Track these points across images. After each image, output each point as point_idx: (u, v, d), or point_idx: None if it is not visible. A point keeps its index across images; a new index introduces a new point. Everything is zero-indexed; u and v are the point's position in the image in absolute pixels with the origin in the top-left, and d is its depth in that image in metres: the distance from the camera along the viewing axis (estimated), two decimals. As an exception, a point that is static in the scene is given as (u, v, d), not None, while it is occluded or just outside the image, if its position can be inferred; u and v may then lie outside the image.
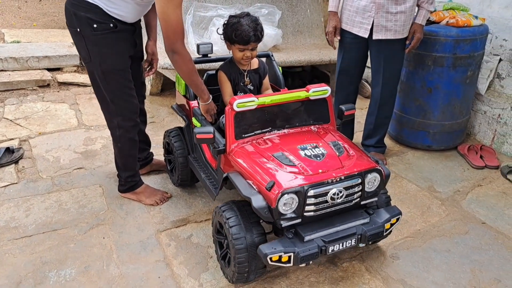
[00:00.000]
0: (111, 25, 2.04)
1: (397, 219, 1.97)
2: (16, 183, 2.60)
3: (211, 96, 2.23)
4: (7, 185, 2.57)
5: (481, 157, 3.08)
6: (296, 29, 4.11)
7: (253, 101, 1.93)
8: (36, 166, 2.77)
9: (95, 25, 2.01)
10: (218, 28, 2.30)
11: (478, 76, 3.15)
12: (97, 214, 2.39)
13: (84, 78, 4.00)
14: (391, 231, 2.01)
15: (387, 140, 3.17)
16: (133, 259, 2.09)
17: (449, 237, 2.33)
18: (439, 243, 2.28)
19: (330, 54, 3.79)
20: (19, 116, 3.41)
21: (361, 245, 1.88)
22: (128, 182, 2.48)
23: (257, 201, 1.71)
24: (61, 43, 4.36)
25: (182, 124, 2.59)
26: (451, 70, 2.92)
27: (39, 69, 3.97)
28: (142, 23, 2.33)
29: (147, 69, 2.49)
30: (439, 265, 2.13)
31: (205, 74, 2.55)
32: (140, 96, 2.47)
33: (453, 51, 2.85)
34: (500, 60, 3.22)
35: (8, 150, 2.79)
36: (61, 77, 3.95)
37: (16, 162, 2.76)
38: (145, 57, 2.45)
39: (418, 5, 2.64)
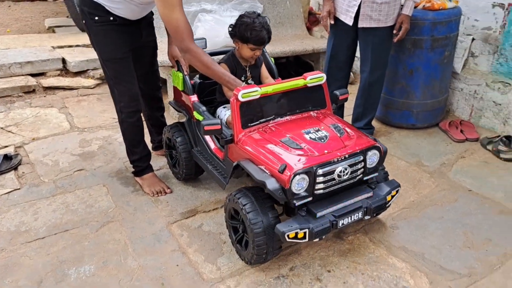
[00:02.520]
0: (111, 18, 2.18)
1: (397, 191, 2.12)
2: (19, 188, 2.61)
3: (241, 82, 2.21)
4: (10, 191, 2.58)
5: (461, 131, 3.28)
6: (278, 21, 4.21)
7: (256, 90, 2.03)
8: (36, 171, 2.78)
9: (96, 18, 2.18)
10: (229, 25, 2.35)
11: (454, 56, 3.35)
12: (105, 212, 2.44)
13: (69, 81, 3.99)
14: (391, 203, 2.17)
15: (373, 122, 3.33)
16: (149, 251, 2.17)
17: (441, 205, 2.51)
18: (432, 211, 2.46)
19: (312, 44, 3.92)
20: (9, 123, 3.38)
21: (366, 217, 2.02)
22: (136, 167, 2.62)
23: (272, 184, 1.81)
24: (41, 48, 4.31)
25: (173, 120, 2.67)
26: (430, 51, 3.10)
27: (23, 75, 3.93)
28: (156, 15, 2.37)
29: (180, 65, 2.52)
30: (435, 231, 2.30)
31: None
32: (153, 84, 2.64)
33: (431, 33, 3.03)
34: (473, 39, 3.43)
35: (6, 157, 2.78)
36: (46, 81, 3.92)
37: (15, 168, 2.76)
38: (158, 48, 2.62)
39: None
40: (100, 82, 4.07)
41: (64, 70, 4.13)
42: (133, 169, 2.66)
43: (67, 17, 5.82)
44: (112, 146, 3.09)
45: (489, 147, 3.08)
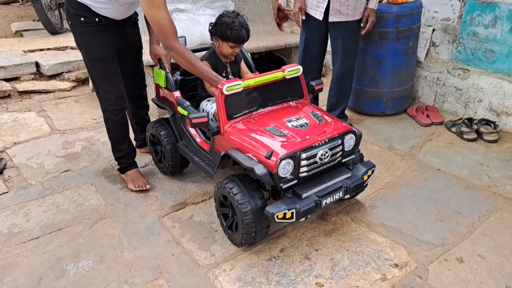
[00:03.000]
0: (97, 19, 2.24)
1: (372, 171, 2.30)
2: (7, 192, 2.62)
3: (222, 78, 2.32)
4: (-2, 195, 2.59)
5: (427, 116, 3.52)
6: (249, 18, 4.29)
7: (240, 84, 2.15)
8: (22, 174, 2.79)
9: (82, 19, 2.24)
10: (210, 24, 2.47)
11: (417, 46, 3.58)
12: (96, 209, 2.49)
13: (45, 84, 3.97)
14: (367, 183, 2.34)
15: (346, 111, 3.51)
16: (144, 243, 2.25)
17: (413, 184, 2.72)
18: (406, 190, 2.66)
19: (284, 39, 4.06)
20: (-13, 129, 3.36)
21: (346, 196, 2.19)
22: (121, 163, 2.69)
23: (259, 169, 1.95)
24: (12, 52, 4.24)
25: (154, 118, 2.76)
26: (395, 42, 3.31)
27: (-4, 80, 3.88)
28: (141, 16, 2.47)
29: (162, 63, 2.60)
30: (409, 208, 2.50)
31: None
32: (138, 83, 2.71)
33: (396, 25, 3.24)
34: (434, 30, 3.67)
35: (-10, 162, 2.79)
36: (21, 86, 3.88)
37: (0, 172, 2.76)
38: (144, 48, 2.67)
39: None
40: (76, 84, 4.08)
41: (38, 74, 4.09)
42: (118, 166, 2.73)
43: (34, 20, 5.73)
44: (96, 146, 3.13)
45: (453, 129, 3.32)
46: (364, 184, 2.28)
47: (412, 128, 3.44)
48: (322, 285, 1.99)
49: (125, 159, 2.67)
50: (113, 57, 2.40)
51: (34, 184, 2.71)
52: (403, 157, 3.02)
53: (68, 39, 4.83)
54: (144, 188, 2.64)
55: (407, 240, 2.25)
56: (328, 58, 4.03)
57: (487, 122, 3.26)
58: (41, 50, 4.42)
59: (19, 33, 5.22)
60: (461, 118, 3.35)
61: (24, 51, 4.30)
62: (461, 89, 3.53)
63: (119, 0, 2.23)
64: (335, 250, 2.19)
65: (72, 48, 4.57)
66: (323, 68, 4.29)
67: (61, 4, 5.23)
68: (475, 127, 3.21)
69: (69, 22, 2.31)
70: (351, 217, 2.43)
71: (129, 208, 2.51)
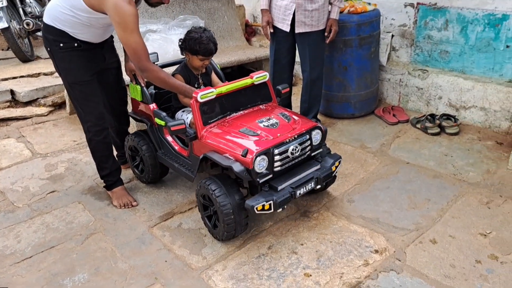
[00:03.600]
0: (75, 44, 2.35)
1: (339, 162, 2.51)
2: (-5, 216, 2.65)
3: (195, 89, 2.46)
4: (-14, 220, 2.61)
5: (393, 115, 3.76)
6: (218, 34, 4.50)
7: (212, 92, 2.33)
8: (8, 198, 2.82)
9: (61, 44, 2.34)
10: (179, 40, 2.65)
11: (379, 51, 3.83)
12: (86, 225, 2.56)
13: (21, 111, 3.99)
14: (336, 174, 2.54)
15: (318, 116, 3.70)
16: (136, 253, 2.33)
17: (386, 178, 2.91)
18: (380, 183, 2.85)
19: (254, 53, 4.25)
20: (-33, 158, 3.35)
21: (318, 187, 2.38)
22: (106, 181, 2.75)
23: (237, 167, 2.13)
24: (-15, 82, 4.26)
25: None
26: (358, 49, 3.54)
27: (-30, 109, 3.88)
28: (116, 38, 2.56)
29: (137, 78, 2.71)
30: (384, 199, 2.68)
31: None
32: (121, 100, 2.81)
33: (357, 33, 3.48)
34: (393, 35, 3.95)
35: (-26, 189, 2.80)
36: (-3, 114, 3.90)
37: (-14, 198, 2.79)
38: (122, 66, 2.78)
39: (330, 3, 3.20)
40: (53, 109, 4.11)
41: (14, 101, 4.11)
42: (103, 184, 2.79)
43: (3, 50, 5.73)
44: (79, 167, 3.19)
45: (418, 125, 3.57)
46: (333, 175, 2.48)
47: (381, 127, 3.66)
48: (310, 275, 2.12)
49: (110, 177, 2.74)
50: (93, 80, 2.50)
51: (21, 206, 2.74)
52: (374, 154, 3.22)
53: (40, 66, 4.86)
54: (130, 206, 2.72)
55: (384, 228, 2.42)
56: (297, 68, 4.24)
57: (448, 117, 3.51)
58: (14, 78, 4.43)
59: (-12, 63, 5.20)
60: (425, 115, 3.60)
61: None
62: (422, 89, 3.80)
63: (94, 25, 2.33)
64: (319, 243, 2.34)
65: (45, 74, 4.61)
66: (293, 78, 4.52)
67: (30, 32, 5.27)
68: (437, 122, 3.46)
69: (48, 49, 2.39)
70: (331, 212, 2.59)
71: (119, 222, 2.58)
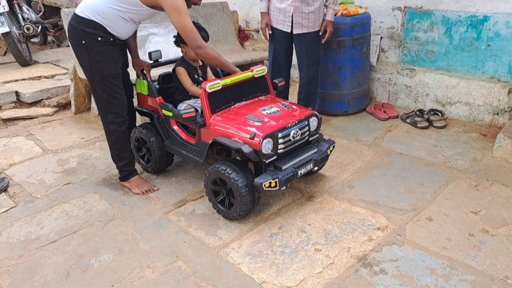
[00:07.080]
0: (111, 39, 2.55)
1: (333, 147, 2.78)
2: (15, 206, 2.76)
3: (237, 68, 2.76)
4: (8, 209, 2.72)
5: (384, 112, 4.01)
6: (214, 38, 4.71)
7: (219, 83, 2.54)
8: (26, 190, 2.94)
9: (99, 38, 2.52)
10: (173, 36, 2.88)
11: (369, 52, 4.10)
12: (105, 213, 2.70)
13: (27, 111, 4.10)
14: (330, 157, 2.80)
15: (315, 113, 3.93)
16: (156, 235, 2.48)
17: (382, 166, 3.14)
18: (377, 171, 3.08)
19: (249, 55, 4.47)
20: (-21, 155, 3.45)
21: (315, 168, 2.63)
22: (123, 171, 2.90)
23: (246, 149, 2.35)
24: (-11, 83, 4.36)
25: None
26: (352, 49, 3.80)
27: (-24, 110, 3.96)
28: None
29: (144, 74, 2.93)
30: (382, 185, 2.91)
31: (158, 76, 3.11)
32: (129, 96, 2.96)
33: (351, 34, 3.73)
34: (382, 37, 4.23)
35: (-6, 181, 2.91)
36: (4, 114, 3.99)
37: (5, 190, 2.89)
38: (129, 64, 2.95)
39: (326, 6, 3.45)
40: (58, 109, 4.23)
41: (19, 102, 4.21)
42: (120, 175, 2.94)
43: (2, 55, 5.82)
44: (90, 161, 3.32)
45: (408, 120, 3.83)
46: (328, 157, 2.73)
47: (373, 123, 3.91)
48: (320, 250, 2.32)
49: (127, 167, 2.90)
50: (120, 73, 2.71)
51: (40, 197, 2.86)
52: (369, 146, 3.45)
53: (40, 70, 4.98)
54: (152, 191, 2.88)
55: (384, 209, 2.64)
56: (293, 71, 4.47)
57: (435, 112, 3.79)
58: (17, 80, 4.54)
59: (-12, 67, 5.28)
60: (413, 111, 3.86)
61: (0, 82, 4.41)
62: (410, 86, 4.07)
63: (134, 20, 2.57)
64: (326, 223, 2.54)
65: (46, 77, 4.73)
66: (290, 80, 4.75)
67: (28, 37, 5.38)
68: (426, 116, 3.73)
69: (83, 42, 2.53)
70: (334, 197, 2.79)
71: (135, 209, 2.73)
